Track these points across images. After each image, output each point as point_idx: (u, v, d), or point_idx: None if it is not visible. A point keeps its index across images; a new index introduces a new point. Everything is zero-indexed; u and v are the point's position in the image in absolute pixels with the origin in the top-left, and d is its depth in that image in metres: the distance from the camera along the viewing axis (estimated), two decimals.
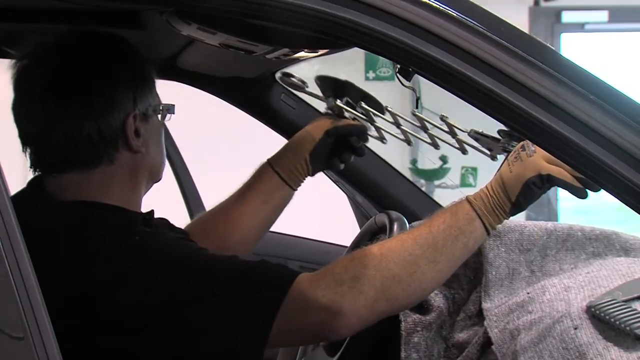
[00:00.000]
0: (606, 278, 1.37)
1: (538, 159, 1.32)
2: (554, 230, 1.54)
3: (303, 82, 1.76)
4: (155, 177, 1.47)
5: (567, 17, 5.55)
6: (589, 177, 1.19)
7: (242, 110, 2.12)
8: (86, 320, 1.26)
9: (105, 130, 1.35)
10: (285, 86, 1.79)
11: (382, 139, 1.78)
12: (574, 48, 5.56)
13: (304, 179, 1.73)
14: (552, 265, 1.52)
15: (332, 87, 1.75)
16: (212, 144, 4.84)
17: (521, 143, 1.36)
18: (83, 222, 1.33)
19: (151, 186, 1.49)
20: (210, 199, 2.50)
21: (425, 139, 1.73)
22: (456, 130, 1.64)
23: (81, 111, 1.34)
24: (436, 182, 5.33)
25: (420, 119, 1.69)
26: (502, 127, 1.52)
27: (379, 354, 1.56)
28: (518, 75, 1.10)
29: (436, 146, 1.72)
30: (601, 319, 1.24)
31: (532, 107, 1.10)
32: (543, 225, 1.54)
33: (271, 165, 1.69)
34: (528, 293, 1.44)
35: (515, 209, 1.34)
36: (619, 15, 5.54)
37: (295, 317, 1.27)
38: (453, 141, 1.66)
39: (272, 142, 2.38)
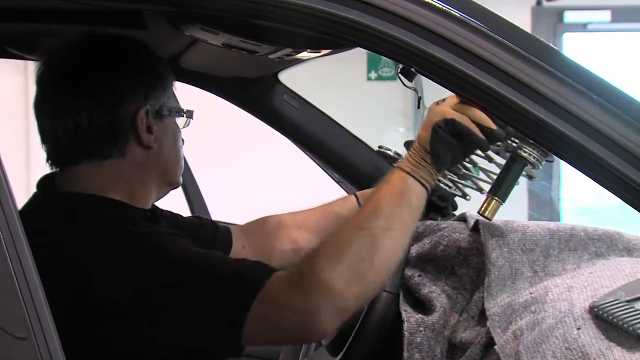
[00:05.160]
0: (609, 278, 1.37)
1: (444, 105, 1.33)
2: (557, 231, 1.53)
3: (398, 154, 1.89)
4: (170, 180, 1.51)
5: (569, 16, 5.54)
6: (591, 176, 1.18)
7: (245, 110, 2.13)
8: (71, 304, 1.29)
9: (115, 122, 1.40)
10: (383, 158, 1.94)
11: (464, 196, 1.85)
12: (576, 48, 5.56)
13: None
14: (555, 265, 1.52)
15: None
16: (215, 144, 4.84)
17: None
18: (76, 212, 1.38)
19: (167, 191, 1.54)
20: (213, 199, 2.51)
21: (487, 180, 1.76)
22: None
23: (91, 103, 1.40)
24: None
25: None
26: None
27: (382, 354, 1.56)
28: (521, 75, 1.10)
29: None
30: (604, 319, 1.24)
31: (534, 107, 1.10)
32: (546, 225, 1.54)
33: (356, 196, 1.80)
34: (531, 293, 1.44)
35: (435, 158, 1.35)
36: (621, 15, 5.54)
37: (269, 317, 1.29)
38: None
39: (274, 142, 2.39)
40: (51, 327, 1.03)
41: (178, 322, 1.29)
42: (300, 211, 1.81)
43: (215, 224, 1.76)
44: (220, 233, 1.74)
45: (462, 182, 1.83)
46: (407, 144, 1.85)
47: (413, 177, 1.34)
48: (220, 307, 1.29)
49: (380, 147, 1.94)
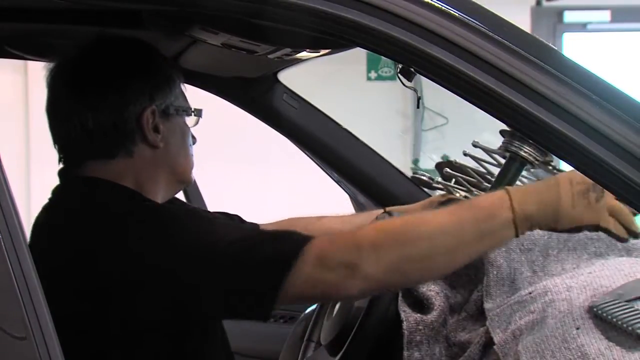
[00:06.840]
0: (608, 278, 1.37)
1: (603, 210, 1.28)
2: None
3: (432, 178, 1.93)
4: (180, 177, 1.53)
5: (569, 16, 5.55)
6: (591, 176, 1.18)
7: (244, 110, 2.13)
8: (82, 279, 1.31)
9: (120, 123, 1.43)
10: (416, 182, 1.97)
11: None
12: (576, 48, 5.56)
13: None
14: (554, 265, 1.52)
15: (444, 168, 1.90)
16: (214, 144, 4.84)
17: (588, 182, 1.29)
18: (92, 192, 1.43)
19: (178, 189, 1.56)
20: (213, 199, 2.51)
21: None
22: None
23: (98, 104, 1.42)
24: None
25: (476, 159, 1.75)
26: (504, 127, 1.53)
27: (381, 354, 1.56)
28: (520, 75, 1.10)
29: None
30: (603, 319, 1.24)
31: (534, 107, 1.10)
32: None
33: (385, 210, 1.77)
34: (530, 293, 1.44)
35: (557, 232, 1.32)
36: (621, 15, 5.54)
37: (313, 271, 1.27)
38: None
39: (273, 141, 2.39)
40: (50, 327, 1.03)
41: (222, 276, 1.29)
42: (329, 220, 1.79)
43: (243, 220, 1.77)
44: None
45: None
46: (440, 165, 1.87)
47: (515, 224, 1.27)
48: (265, 259, 1.28)
49: (415, 173, 1.97)
